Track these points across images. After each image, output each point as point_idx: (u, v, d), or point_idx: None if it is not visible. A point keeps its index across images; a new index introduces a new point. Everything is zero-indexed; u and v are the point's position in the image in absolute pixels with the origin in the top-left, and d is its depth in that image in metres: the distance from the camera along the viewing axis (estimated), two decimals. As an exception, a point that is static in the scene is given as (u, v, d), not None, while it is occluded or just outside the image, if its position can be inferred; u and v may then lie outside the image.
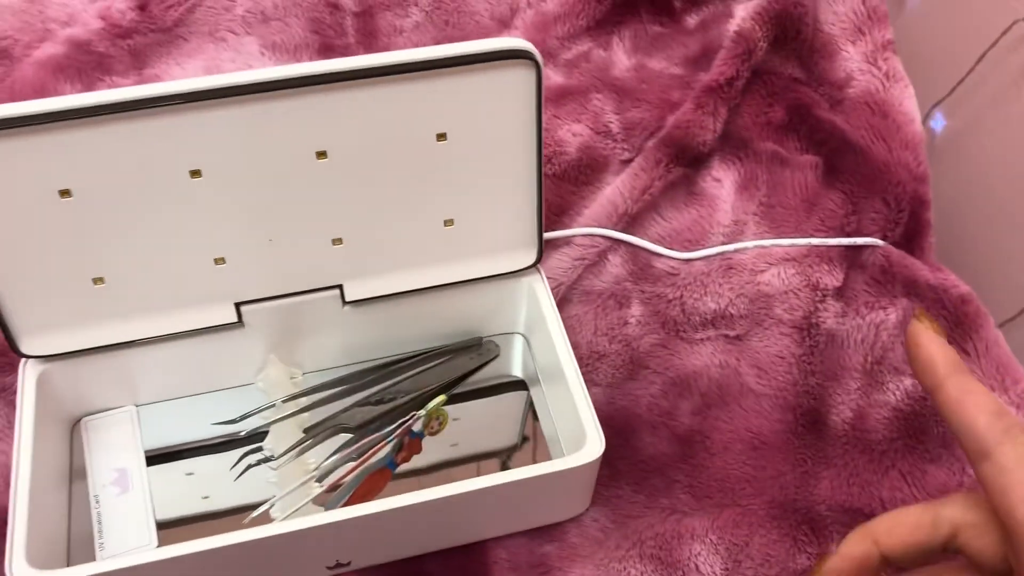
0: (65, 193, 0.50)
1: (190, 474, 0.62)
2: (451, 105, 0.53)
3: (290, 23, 0.80)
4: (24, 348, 0.56)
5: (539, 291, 0.62)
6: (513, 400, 0.66)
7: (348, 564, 0.57)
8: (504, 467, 0.63)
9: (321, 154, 0.53)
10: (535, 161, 0.57)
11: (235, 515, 0.59)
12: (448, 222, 0.59)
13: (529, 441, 0.64)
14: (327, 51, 0.79)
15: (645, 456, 0.63)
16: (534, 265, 0.62)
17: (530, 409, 0.65)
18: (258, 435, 0.62)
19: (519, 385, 0.67)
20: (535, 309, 0.63)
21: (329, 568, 0.57)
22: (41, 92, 0.76)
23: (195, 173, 0.51)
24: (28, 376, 0.57)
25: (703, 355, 0.67)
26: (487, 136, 0.55)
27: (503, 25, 0.81)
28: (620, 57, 0.81)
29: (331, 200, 0.55)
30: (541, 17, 0.81)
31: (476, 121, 0.54)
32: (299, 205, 0.55)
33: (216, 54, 0.79)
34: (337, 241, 0.57)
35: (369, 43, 0.80)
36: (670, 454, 0.63)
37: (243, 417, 0.62)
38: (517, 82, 0.53)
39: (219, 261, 0.56)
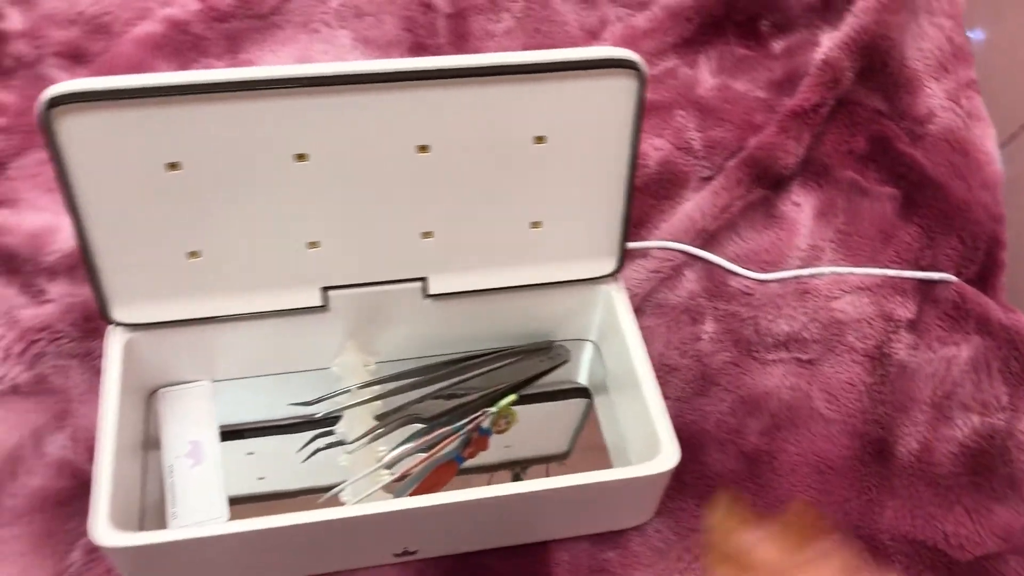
0: (174, 166, 0.51)
1: (251, 453, 0.62)
2: (553, 109, 0.54)
3: (383, 20, 0.81)
4: (114, 315, 0.57)
5: (616, 299, 0.63)
6: (573, 406, 0.66)
7: (415, 553, 0.57)
8: (557, 472, 0.63)
9: (423, 148, 0.53)
10: (628, 171, 0.57)
11: (289, 498, 0.60)
12: (535, 224, 0.59)
13: (583, 448, 0.64)
14: (418, 50, 0.80)
15: (711, 471, 0.62)
16: (614, 273, 0.63)
17: (587, 417, 0.65)
18: (328, 420, 0.62)
19: (581, 392, 0.67)
20: (610, 317, 0.63)
21: (396, 555, 0.57)
22: (138, 68, 0.78)
23: (301, 157, 0.52)
24: (114, 343, 0.58)
25: (774, 376, 0.66)
26: (584, 142, 0.55)
27: (592, 36, 0.82)
28: (705, 76, 0.81)
29: (427, 194, 0.56)
30: (630, 31, 0.81)
31: (575, 126, 0.55)
32: (396, 196, 0.55)
33: (309, 45, 0.80)
34: (427, 234, 0.58)
35: (460, 45, 0.80)
36: (736, 471, 0.63)
37: (319, 400, 0.62)
38: (620, 91, 0.53)
39: (312, 245, 0.57)
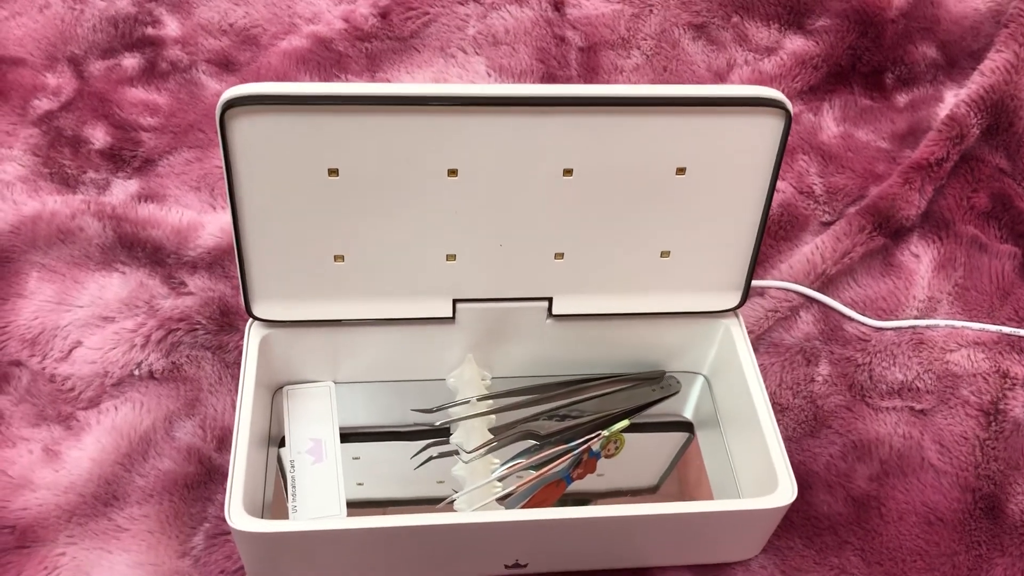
0: (334, 172, 0.51)
1: (356, 458, 0.62)
2: (698, 142, 0.53)
3: (518, 49, 0.81)
4: (256, 311, 0.58)
5: (736, 334, 0.61)
6: (673, 440, 0.65)
7: (525, 566, 0.56)
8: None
9: (568, 171, 0.53)
10: (763, 208, 0.56)
11: (386, 506, 0.60)
12: (664, 253, 0.58)
13: (679, 482, 0.62)
14: (550, 80, 0.80)
15: (819, 513, 0.60)
16: (735, 308, 0.61)
17: (683, 452, 0.64)
18: (440, 431, 0.62)
19: (683, 426, 0.65)
20: (727, 351, 0.62)
21: (507, 567, 0.56)
22: (283, 79, 0.79)
23: (452, 172, 0.52)
24: (253, 338, 0.58)
25: (887, 423, 0.64)
26: (724, 176, 0.54)
27: (719, 78, 0.81)
28: (828, 123, 0.79)
29: (566, 216, 0.55)
30: (757, 76, 0.80)
31: (717, 161, 0.54)
32: (536, 216, 0.55)
33: (444, 69, 0.80)
34: (559, 255, 0.57)
35: (590, 78, 0.80)
36: (844, 515, 0.60)
37: (440, 408, 0.62)
38: (766, 129, 0.52)
39: (450, 257, 0.56)
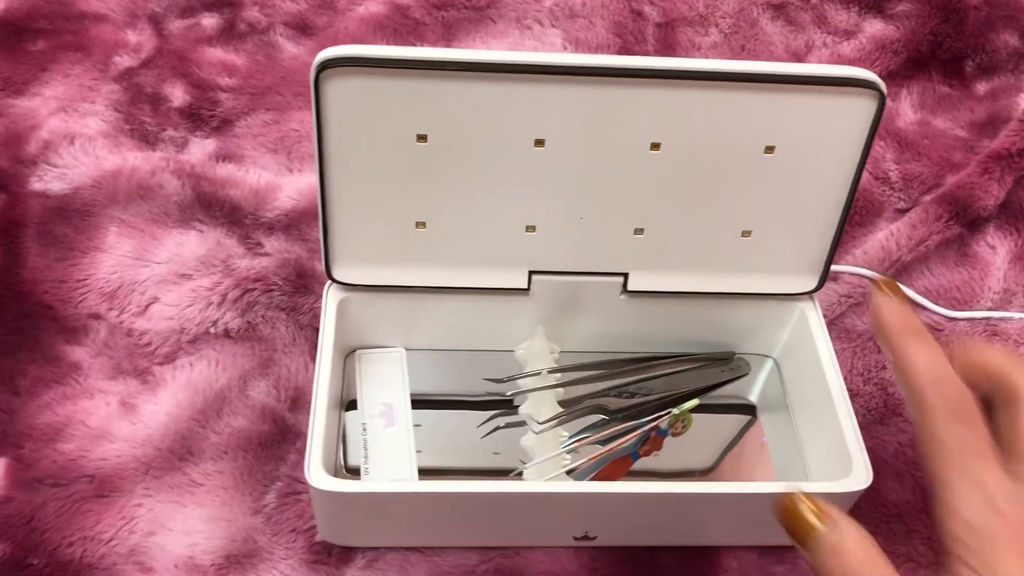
0: (422, 138, 0.51)
1: (417, 425, 0.62)
2: (789, 120, 0.52)
3: (595, 22, 0.80)
4: (336, 274, 0.58)
5: (811, 317, 0.60)
6: (734, 421, 0.64)
7: (594, 539, 0.56)
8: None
9: (655, 146, 0.52)
10: (850, 191, 0.55)
11: (443, 475, 0.60)
12: (745, 233, 0.57)
13: (735, 465, 0.62)
14: (626, 55, 0.79)
15: (887, 500, 0.60)
16: (812, 292, 0.60)
17: (744, 435, 0.63)
18: (505, 402, 0.62)
19: (746, 409, 0.64)
20: (801, 334, 0.61)
21: (576, 538, 0.56)
22: (360, 44, 0.78)
23: (539, 142, 0.51)
24: (331, 301, 0.59)
25: (958, 414, 0.63)
26: (813, 157, 0.53)
27: (796, 59, 0.79)
28: (906, 109, 0.78)
29: (649, 190, 0.54)
30: (836, 59, 0.79)
31: (807, 141, 0.53)
32: (619, 189, 0.54)
33: (520, 40, 0.80)
34: (639, 231, 0.57)
35: (666, 54, 0.79)
36: (913, 503, 0.60)
37: (511, 378, 0.62)
38: (859, 111, 0.51)
39: (530, 228, 0.56)
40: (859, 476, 0.53)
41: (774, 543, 0.58)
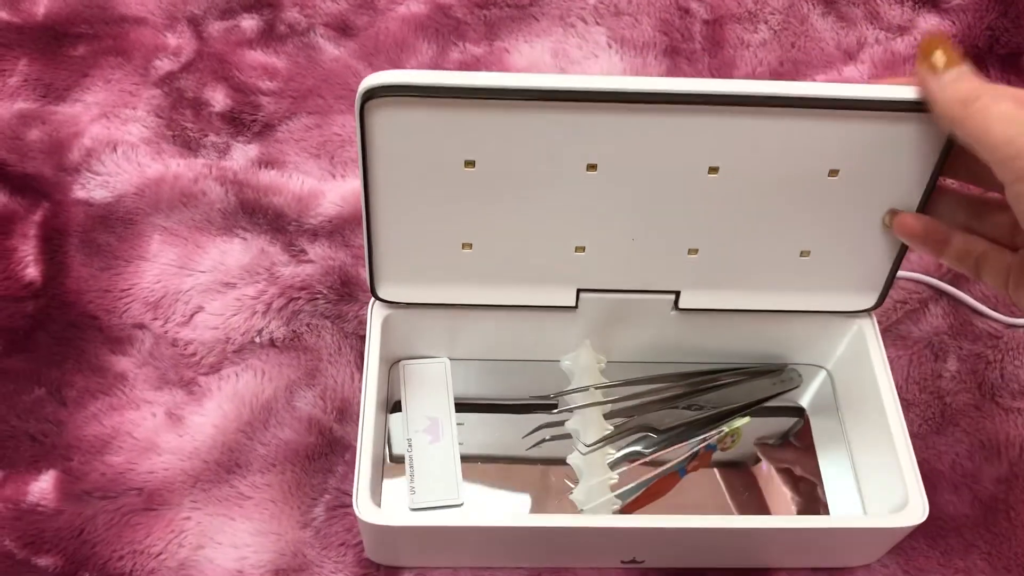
0: (470, 164, 0.50)
1: (460, 424, 0.61)
2: (854, 146, 0.50)
3: (640, 20, 0.79)
4: (381, 293, 0.57)
5: (868, 334, 0.59)
6: (783, 424, 0.63)
7: (642, 562, 0.56)
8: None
9: (713, 170, 0.51)
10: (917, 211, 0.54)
11: (481, 461, 0.60)
12: (804, 253, 0.56)
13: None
14: (673, 54, 0.77)
15: (944, 514, 0.59)
16: (871, 310, 0.59)
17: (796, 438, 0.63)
18: (548, 405, 0.62)
19: (795, 412, 0.64)
20: (858, 349, 0.60)
21: (624, 562, 0.56)
22: (401, 45, 0.78)
23: (591, 167, 0.50)
24: (375, 319, 0.58)
25: (1017, 424, 0.62)
26: (877, 181, 0.51)
27: (848, 56, 0.78)
28: (962, 108, 0.76)
29: (705, 213, 0.53)
30: (890, 56, 0.77)
31: (872, 165, 0.51)
32: (674, 212, 0.53)
33: (564, 39, 0.79)
34: (693, 251, 0.56)
35: (714, 51, 0.77)
36: (971, 516, 0.59)
37: (559, 394, 0.61)
38: (927, 136, 0.49)
39: (579, 249, 0.55)
40: (914, 511, 0.52)
41: (829, 566, 0.57)
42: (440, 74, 0.47)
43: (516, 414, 0.62)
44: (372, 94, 0.46)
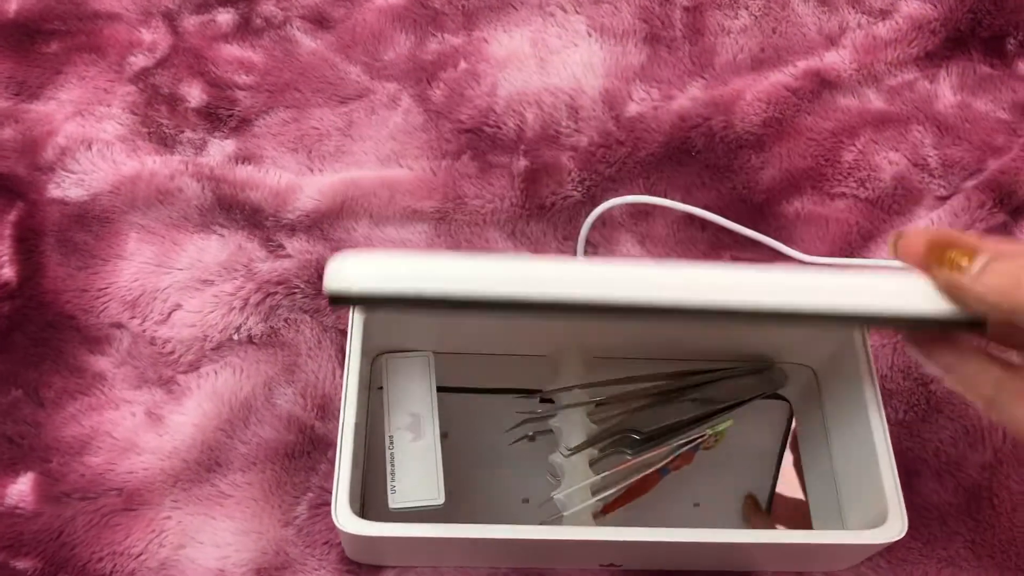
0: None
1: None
2: None
3: (620, 7, 0.78)
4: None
5: (856, 338, 0.58)
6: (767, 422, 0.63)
7: (620, 566, 0.56)
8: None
9: None
10: None
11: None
12: None
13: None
14: (653, 41, 0.77)
15: (927, 502, 0.59)
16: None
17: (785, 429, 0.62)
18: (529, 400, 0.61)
19: (782, 410, 0.63)
20: (847, 352, 0.59)
21: (602, 565, 0.56)
22: (379, 37, 0.77)
23: None
24: (357, 320, 0.57)
25: (1003, 412, 0.62)
26: None
27: (830, 41, 0.77)
28: (945, 92, 0.76)
29: None
30: (871, 40, 0.77)
31: None
32: None
33: (543, 28, 0.78)
34: None
35: (695, 39, 0.77)
36: (954, 504, 0.59)
37: (542, 394, 0.61)
38: None
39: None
40: (893, 527, 0.51)
41: (814, 570, 0.57)
42: (401, 279, 0.42)
43: (500, 408, 0.62)
44: (333, 300, 0.43)
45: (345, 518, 0.50)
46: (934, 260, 0.42)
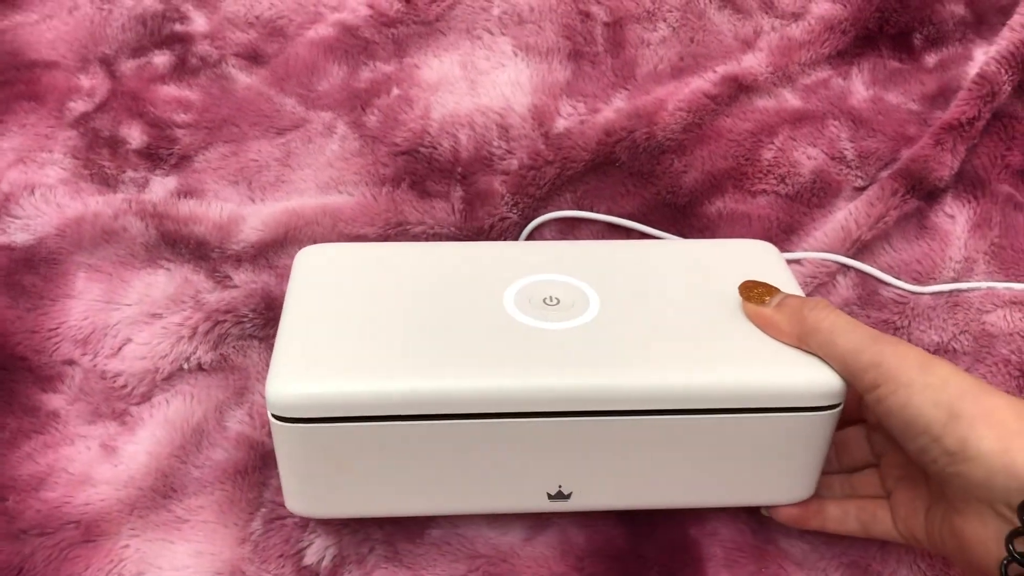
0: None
1: None
2: None
3: (544, 27, 0.81)
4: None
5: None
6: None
7: (568, 496, 0.55)
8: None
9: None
10: None
11: None
12: None
13: None
14: (577, 57, 0.80)
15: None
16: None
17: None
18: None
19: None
20: None
21: (550, 496, 0.56)
22: (312, 69, 0.80)
23: None
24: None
25: (927, 386, 0.65)
26: None
27: (746, 46, 0.81)
28: (858, 87, 0.79)
29: None
30: (786, 42, 0.80)
31: None
32: None
33: (471, 51, 0.81)
34: None
35: (616, 52, 0.80)
36: (888, 478, 0.61)
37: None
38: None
39: None
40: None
41: (759, 502, 0.57)
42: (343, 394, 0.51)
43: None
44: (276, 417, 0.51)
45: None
46: (745, 296, 0.54)
